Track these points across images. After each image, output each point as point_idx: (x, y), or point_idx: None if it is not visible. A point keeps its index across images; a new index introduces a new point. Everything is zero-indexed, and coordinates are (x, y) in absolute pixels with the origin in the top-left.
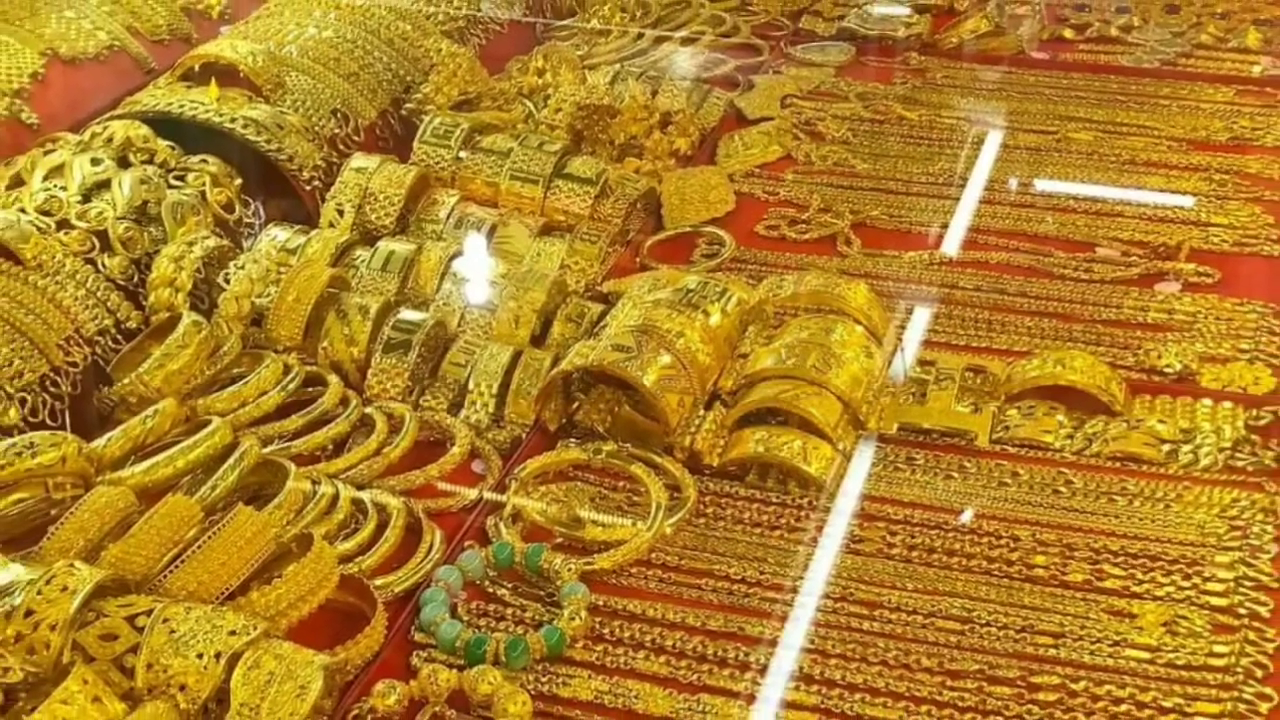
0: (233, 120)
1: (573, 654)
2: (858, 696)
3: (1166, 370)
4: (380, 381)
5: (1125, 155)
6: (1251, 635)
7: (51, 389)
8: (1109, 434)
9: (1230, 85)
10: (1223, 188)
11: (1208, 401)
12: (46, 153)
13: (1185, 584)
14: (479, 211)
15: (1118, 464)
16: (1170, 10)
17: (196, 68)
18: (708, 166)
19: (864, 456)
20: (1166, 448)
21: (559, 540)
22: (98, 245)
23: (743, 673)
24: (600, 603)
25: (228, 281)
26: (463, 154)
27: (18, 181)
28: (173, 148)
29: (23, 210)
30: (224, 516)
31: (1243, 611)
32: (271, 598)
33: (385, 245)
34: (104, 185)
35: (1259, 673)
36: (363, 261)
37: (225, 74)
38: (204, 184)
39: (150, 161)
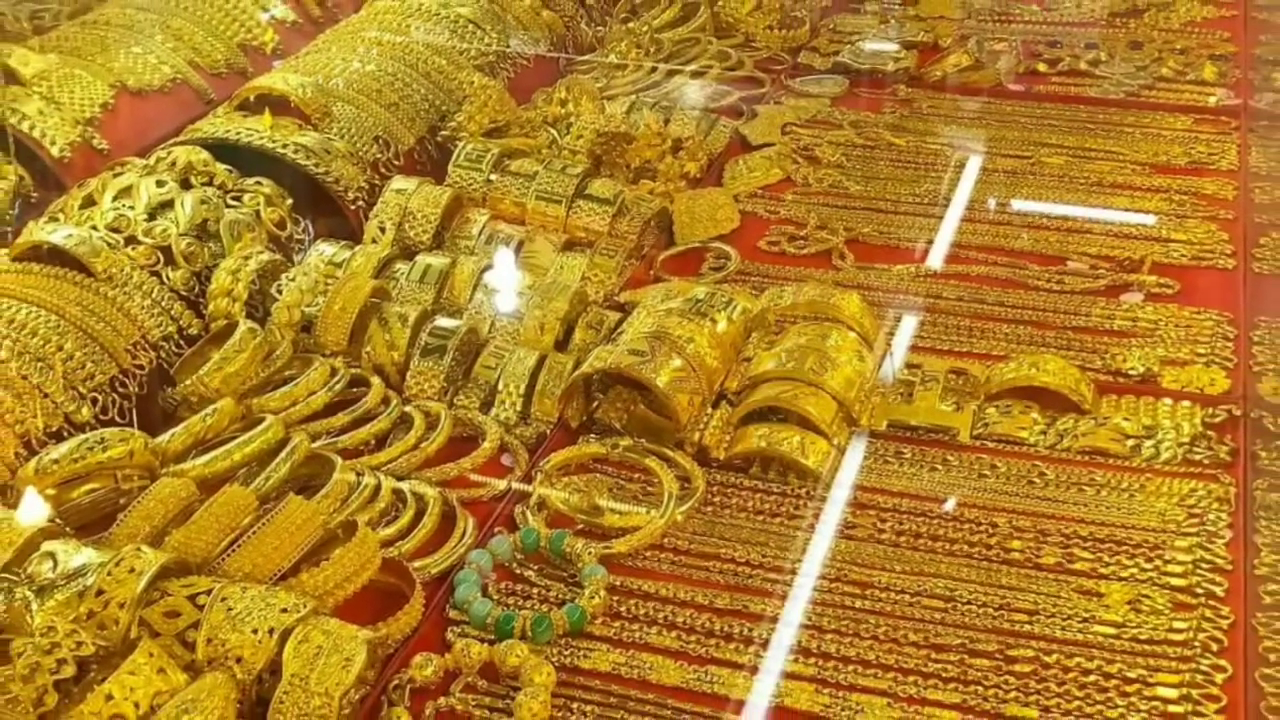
0: (284, 146)
1: (593, 630)
2: (850, 668)
3: (1131, 372)
4: (418, 383)
5: (1093, 178)
6: (1208, 613)
7: (120, 389)
8: (1079, 430)
9: (1189, 114)
10: (1182, 207)
11: (1168, 401)
12: (116, 175)
13: (1148, 566)
14: (508, 229)
15: (1086, 457)
16: (1134, 46)
17: (252, 98)
18: (715, 188)
19: (856, 451)
20: (1131, 443)
21: (580, 526)
22: (162, 259)
23: (747, 646)
24: (617, 583)
25: (280, 292)
26: (493, 177)
27: (90, 201)
28: (230, 171)
29: (94, 227)
30: (277, 505)
31: (1200, 591)
32: (320, 578)
33: (423, 259)
34: (168, 205)
35: (1214, 647)
36: (402, 274)
37: (278, 104)
38: (258, 204)
39: (210, 183)
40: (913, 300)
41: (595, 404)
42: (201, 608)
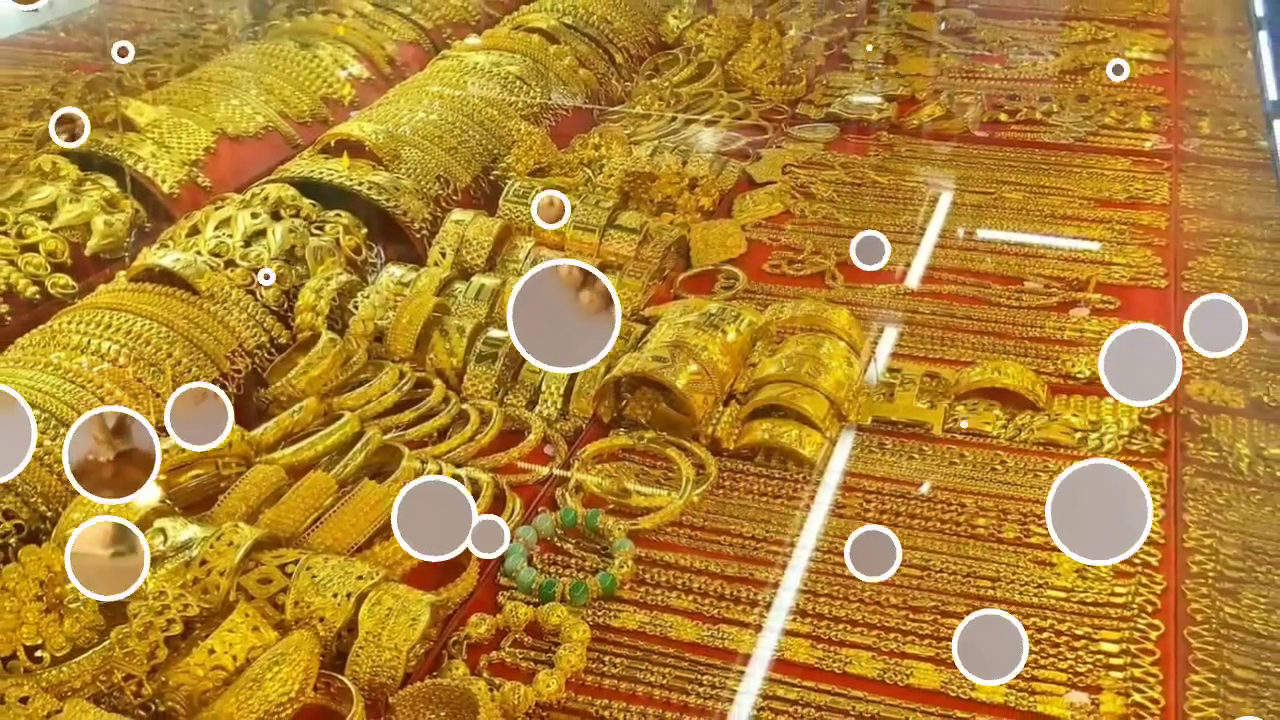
0: (360, 184)
1: (622, 594)
2: (840, 627)
3: (1078, 376)
4: (473, 384)
5: (1047, 210)
6: (1144, 580)
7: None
8: (1034, 425)
9: (1127, 157)
10: (1121, 236)
11: (1110, 400)
12: (217, 209)
13: None
14: (549, 254)
15: (1041, 448)
16: (1081, 99)
17: (333, 143)
18: (725, 219)
19: (846, 442)
20: (1079, 435)
21: (611, 506)
22: (256, 280)
23: (752, 608)
24: (643, 554)
25: (356, 308)
26: None
27: (194, 231)
28: (314, 205)
29: (199, 253)
30: (353, 489)
31: (1138, 561)
32: (390, 550)
33: (477, 280)
34: (261, 234)
35: (1150, 609)
36: (460, 292)
37: (355, 148)
38: (338, 233)
39: (297, 215)
40: (893, 314)
41: (624, 402)
42: (290, 575)
